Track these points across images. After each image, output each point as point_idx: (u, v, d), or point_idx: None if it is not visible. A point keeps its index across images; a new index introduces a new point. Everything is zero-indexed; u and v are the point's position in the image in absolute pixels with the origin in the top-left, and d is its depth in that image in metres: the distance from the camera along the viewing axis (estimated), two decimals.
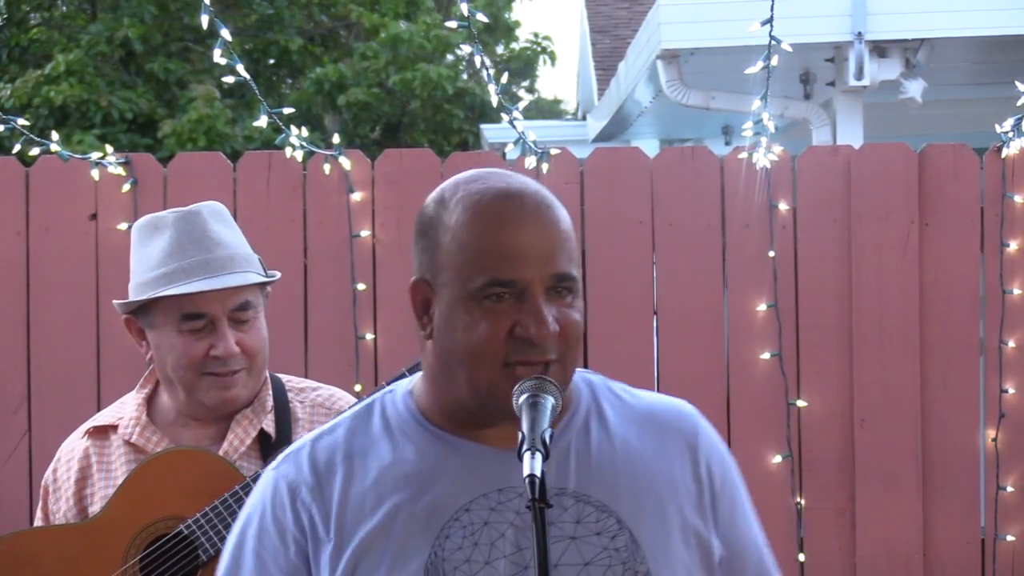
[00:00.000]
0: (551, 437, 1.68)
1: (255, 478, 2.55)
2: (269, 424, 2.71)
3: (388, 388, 1.94)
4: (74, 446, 2.78)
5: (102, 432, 2.76)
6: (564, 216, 1.83)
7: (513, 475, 1.75)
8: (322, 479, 1.84)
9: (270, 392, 2.75)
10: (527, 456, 1.64)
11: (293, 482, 1.84)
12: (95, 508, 2.68)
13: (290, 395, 2.77)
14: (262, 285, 2.72)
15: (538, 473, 1.62)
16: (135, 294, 2.68)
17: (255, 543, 1.85)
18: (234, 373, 2.65)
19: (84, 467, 2.74)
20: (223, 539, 2.50)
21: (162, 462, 2.62)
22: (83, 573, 2.60)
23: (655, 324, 4.71)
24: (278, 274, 2.78)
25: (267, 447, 2.69)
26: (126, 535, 2.59)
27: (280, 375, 2.82)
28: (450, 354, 1.80)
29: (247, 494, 2.52)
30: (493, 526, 1.79)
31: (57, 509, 2.76)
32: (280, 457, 1.90)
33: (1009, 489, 4.64)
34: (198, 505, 2.57)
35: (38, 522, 2.80)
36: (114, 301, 2.70)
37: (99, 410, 4.50)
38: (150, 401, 2.78)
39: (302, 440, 1.90)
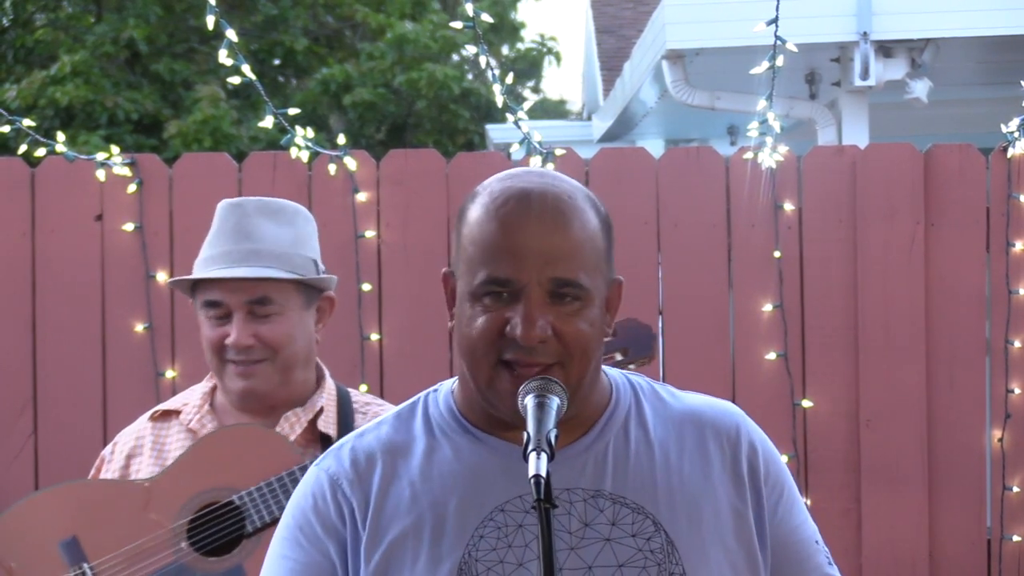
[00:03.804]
0: (556, 437, 1.68)
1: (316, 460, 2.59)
2: (330, 427, 2.74)
3: (433, 387, 1.96)
4: (137, 425, 2.87)
5: (166, 416, 2.84)
6: (583, 223, 1.80)
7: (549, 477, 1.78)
8: (362, 474, 1.87)
9: (324, 395, 2.79)
10: (532, 456, 1.65)
11: (335, 475, 1.88)
12: None
13: (355, 406, 2.82)
14: (298, 283, 2.74)
15: (543, 473, 1.63)
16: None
17: (297, 532, 1.88)
18: (253, 363, 2.69)
19: (137, 443, 2.82)
20: (271, 514, 2.61)
21: (228, 435, 2.71)
22: (135, 525, 2.68)
23: (660, 324, 4.71)
24: (334, 279, 2.80)
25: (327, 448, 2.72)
26: (181, 497, 2.68)
27: (350, 390, 2.88)
28: (460, 348, 1.83)
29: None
30: (528, 528, 1.80)
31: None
32: (324, 454, 1.94)
33: (1015, 489, 4.64)
34: (254, 480, 2.65)
35: None
36: (168, 281, 2.79)
37: (104, 412, 4.58)
38: (214, 392, 2.85)
39: (346, 437, 1.94)
